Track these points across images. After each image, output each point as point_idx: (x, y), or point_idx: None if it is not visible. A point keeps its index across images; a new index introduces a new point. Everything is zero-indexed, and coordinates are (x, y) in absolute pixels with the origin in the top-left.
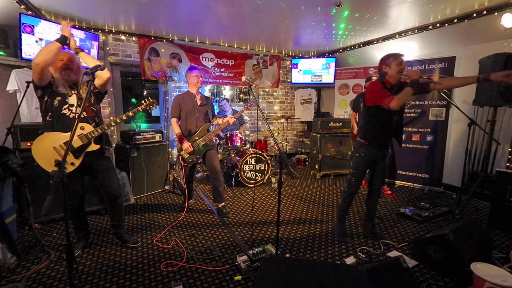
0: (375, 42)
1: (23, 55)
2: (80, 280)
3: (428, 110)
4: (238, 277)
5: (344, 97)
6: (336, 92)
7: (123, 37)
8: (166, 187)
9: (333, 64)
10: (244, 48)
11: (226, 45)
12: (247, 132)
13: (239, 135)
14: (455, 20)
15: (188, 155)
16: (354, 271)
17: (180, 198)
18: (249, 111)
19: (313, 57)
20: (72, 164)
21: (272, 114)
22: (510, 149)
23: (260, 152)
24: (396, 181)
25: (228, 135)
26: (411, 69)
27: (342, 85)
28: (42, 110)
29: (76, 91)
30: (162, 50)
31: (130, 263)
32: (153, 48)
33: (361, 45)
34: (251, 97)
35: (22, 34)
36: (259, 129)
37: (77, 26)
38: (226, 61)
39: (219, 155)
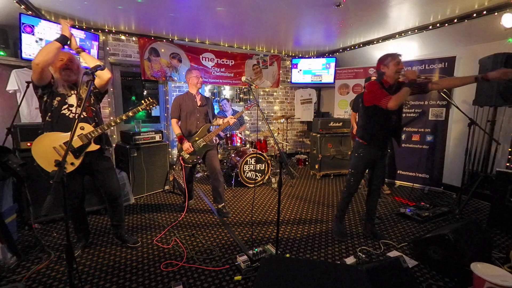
0: (375, 42)
1: (23, 55)
2: (80, 280)
3: (428, 110)
4: (238, 277)
5: (344, 97)
6: (336, 92)
7: (123, 37)
8: (166, 187)
9: (333, 64)
10: (244, 48)
11: (226, 45)
12: (247, 132)
13: (239, 135)
14: (455, 20)
15: (188, 155)
16: (354, 271)
17: (180, 198)
18: (249, 111)
19: (313, 57)
20: (72, 164)
21: (272, 114)
22: (510, 149)
23: (260, 152)
24: (396, 181)
25: (228, 135)
26: (411, 69)
27: (342, 85)
28: (41, 110)
29: (75, 92)
30: (162, 50)
31: (130, 263)
32: (153, 48)
33: (361, 45)
34: (251, 97)
35: (22, 34)
36: (259, 129)
37: (77, 26)
38: (226, 61)
39: (219, 155)
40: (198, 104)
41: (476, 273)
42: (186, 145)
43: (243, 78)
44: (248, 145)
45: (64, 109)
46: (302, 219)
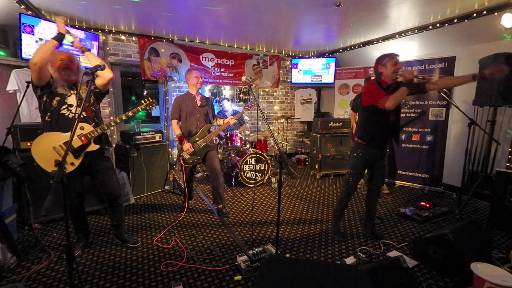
0: (375, 42)
1: (23, 55)
2: (80, 280)
3: (428, 110)
4: (238, 277)
5: (344, 97)
6: (336, 92)
7: (123, 37)
8: (166, 187)
9: (333, 64)
10: (244, 48)
11: (226, 45)
12: (247, 132)
13: (239, 135)
14: (455, 20)
15: (188, 156)
16: (354, 271)
17: (180, 198)
18: (249, 111)
19: (313, 57)
20: (72, 164)
21: (272, 114)
22: (510, 149)
23: (260, 152)
24: (396, 181)
25: (228, 135)
26: (411, 69)
27: (342, 85)
28: (41, 110)
29: (75, 92)
30: (162, 50)
31: (130, 263)
32: (153, 48)
33: (361, 45)
34: (251, 97)
35: (22, 34)
36: (259, 129)
37: (77, 26)
38: (226, 61)
39: (219, 155)
40: (198, 105)
41: (476, 273)
42: (187, 145)
43: (243, 78)
44: (248, 145)
45: (64, 109)
46: (302, 219)
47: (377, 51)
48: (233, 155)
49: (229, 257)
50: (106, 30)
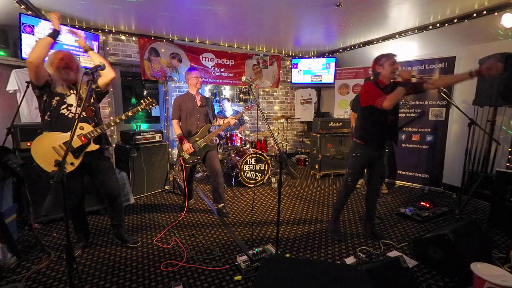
0: (375, 42)
1: (23, 55)
2: (80, 280)
3: (428, 110)
4: (238, 277)
5: (344, 97)
6: (336, 92)
7: (123, 37)
8: (166, 187)
9: (333, 64)
10: (244, 48)
11: (226, 45)
12: (247, 132)
13: (239, 135)
14: (455, 20)
15: (189, 156)
16: (354, 271)
17: (180, 198)
18: (249, 111)
19: (313, 57)
20: (72, 164)
21: (272, 114)
22: (510, 149)
23: (260, 152)
24: (396, 181)
25: (228, 135)
26: (411, 69)
27: (342, 85)
28: (40, 110)
29: (75, 91)
30: (162, 50)
31: (130, 263)
32: (153, 48)
33: (361, 45)
34: (251, 97)
35: (22, 34)
36: (259, 129)
37: (77, 26)
38: (226, 61)
39: (219, 155)
40: (198, 105)
41: (476, 273)
42: (187, 145)
43: (243, 78)
44: (248, 145)
45: (63, 108)
46: (302, 219)
47: (377, 51)
48: (233, 155)
49: (229, 257)
50: (106, 30)
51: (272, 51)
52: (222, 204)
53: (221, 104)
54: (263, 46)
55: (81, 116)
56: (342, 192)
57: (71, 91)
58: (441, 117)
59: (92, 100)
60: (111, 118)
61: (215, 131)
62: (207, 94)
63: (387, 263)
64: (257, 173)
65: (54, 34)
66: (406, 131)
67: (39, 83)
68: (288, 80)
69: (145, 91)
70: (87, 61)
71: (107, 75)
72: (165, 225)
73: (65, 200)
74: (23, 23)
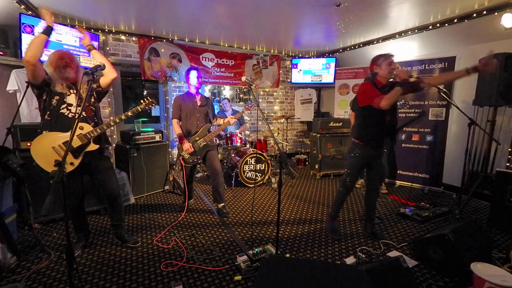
0: (375, 42)
1: (23, 55)
2: (80, 280)
3: (428, 110)
4: (238, 277)
5: (344, 97)
6: (336, 92)
7: (123, 37)
8: (166, 187)
9: (333, 64)
10: (244, 48)
11: (226, 45)
12: (247, 132)
13: (239, 135)
14: (455, 20)
15: (188, 155)
16: (354, 271)
17: (180, 198)
18: (249, 111)
19: (313, 57)
20: (72, 164)
21: (272, 114)
22: (510, 149)
23: (260, 152)
24: (396, 181)
25: (228, 135)
26: (411, 69)
27: (342, 85)
28: (40, 109)
29: (74, 91)
30: (162, 50)
31: (130, 263)
32: (153, 48)
33: (361, 45)
34: (251, 97)
35: (22, 34)
36: (259, 129)
37: (77, 26)
38: (226, 61)
39: (219, 155)
40: (198, 104)
41: (476, 273)
42: (187, 145)
43: (243, 78)
44: (248, 145)
45: (63, 108)
46: (302, 219)
47: (377, 51)
48: (233, 155)
49: (229, 257)
50: (106, 30)
51: (272, 51)
52: (222, 204)
53: (221, 104)
54: (263, 46)
55: (81, 116)
56: (340, 192)
57: (71, 91)
58: (441, 117)
59: (92, 100)
60: (111, 118)
61: (215, 131)
62: (207, 94)
63: (387, 263)
64: (257, 173)
65: (48, 31)
66: (406, 131)
67: (37, 82)
68: (288, 80)
69: (145, 91)
70: (87, 61)
71: (109, 74)
72: (165, 225)
73: (65, 200)
74: (23, 23)
